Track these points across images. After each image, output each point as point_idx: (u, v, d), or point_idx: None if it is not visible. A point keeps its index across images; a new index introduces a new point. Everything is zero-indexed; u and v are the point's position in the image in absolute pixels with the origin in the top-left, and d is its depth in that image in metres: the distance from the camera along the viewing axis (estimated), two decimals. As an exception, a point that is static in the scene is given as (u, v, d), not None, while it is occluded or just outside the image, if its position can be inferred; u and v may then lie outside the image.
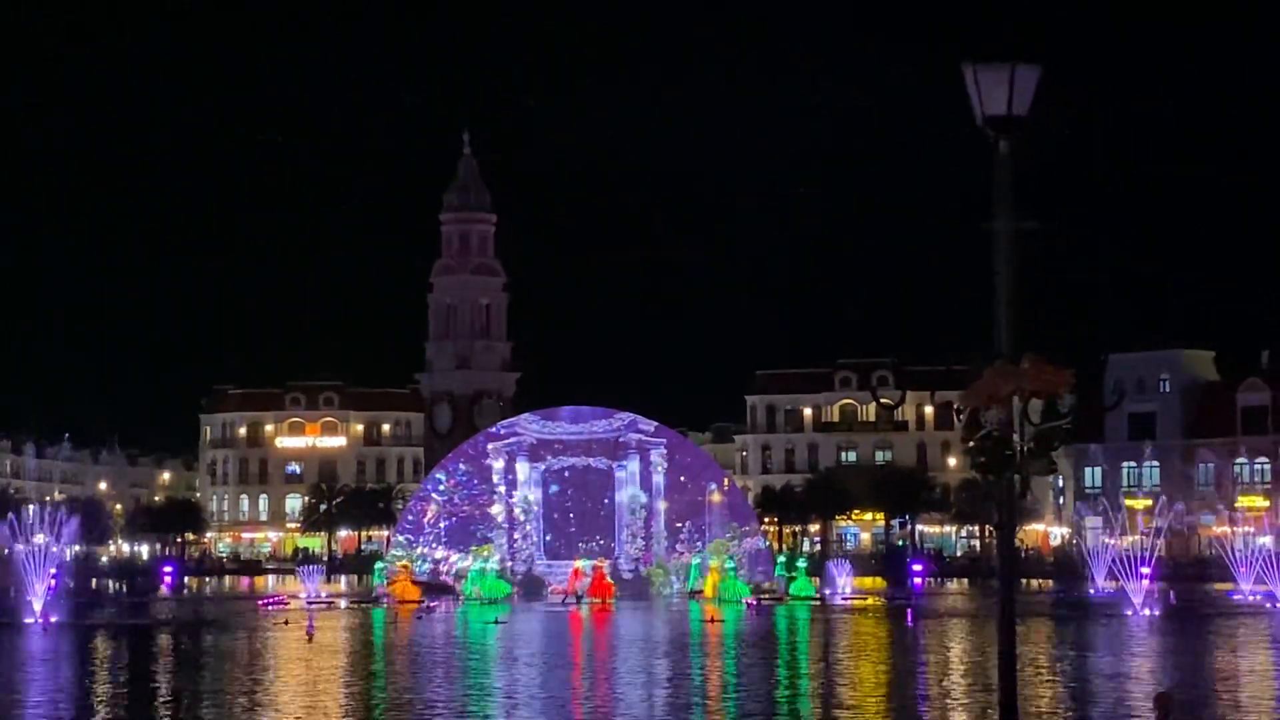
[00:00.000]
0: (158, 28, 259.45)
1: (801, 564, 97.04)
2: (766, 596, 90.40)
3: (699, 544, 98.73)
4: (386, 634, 67.14)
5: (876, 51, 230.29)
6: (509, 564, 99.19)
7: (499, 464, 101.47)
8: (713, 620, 71.19)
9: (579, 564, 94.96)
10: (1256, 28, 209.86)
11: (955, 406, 12.60)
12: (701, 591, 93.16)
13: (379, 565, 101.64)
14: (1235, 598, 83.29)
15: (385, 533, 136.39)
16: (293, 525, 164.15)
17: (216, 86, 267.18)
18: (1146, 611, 71.62)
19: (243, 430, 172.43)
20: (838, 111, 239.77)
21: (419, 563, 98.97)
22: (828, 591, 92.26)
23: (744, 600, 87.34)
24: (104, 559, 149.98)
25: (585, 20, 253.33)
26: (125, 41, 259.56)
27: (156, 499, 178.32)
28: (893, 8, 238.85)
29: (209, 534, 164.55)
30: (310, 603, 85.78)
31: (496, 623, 70.47)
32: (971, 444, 12.54)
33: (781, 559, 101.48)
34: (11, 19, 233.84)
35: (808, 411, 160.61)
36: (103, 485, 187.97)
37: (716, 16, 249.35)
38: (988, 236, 12.52)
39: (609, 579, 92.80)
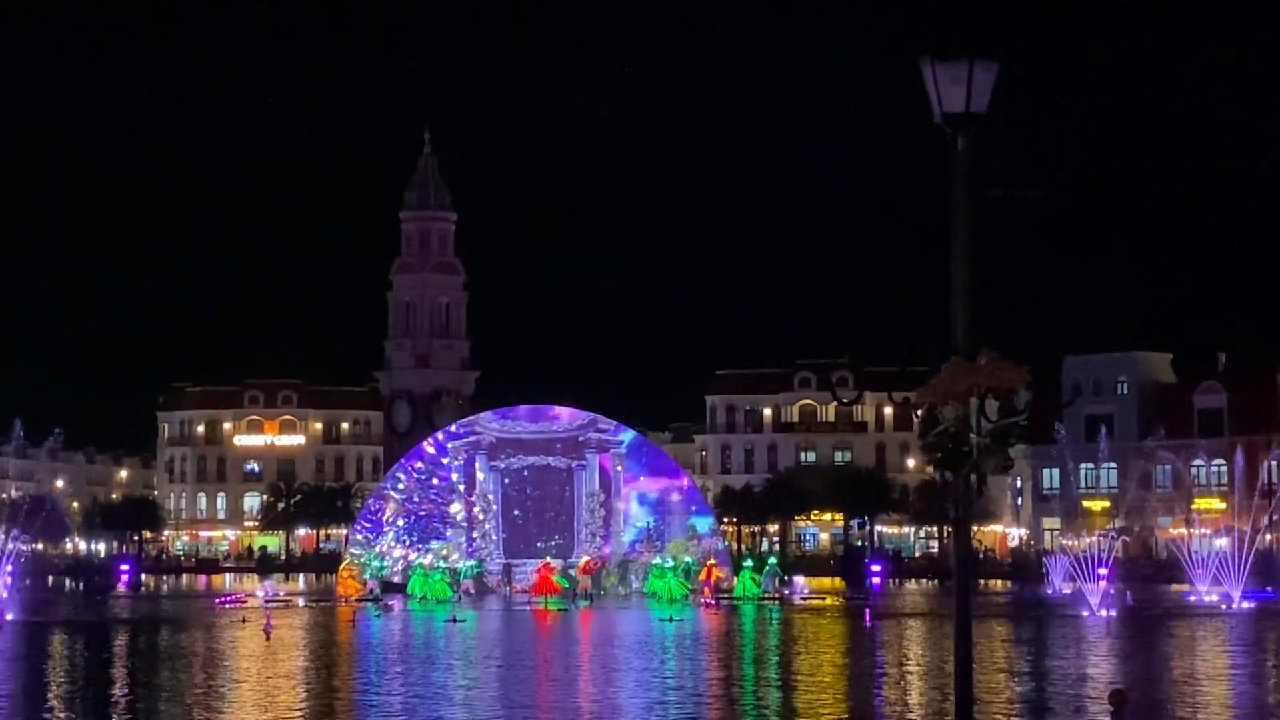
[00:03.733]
0: (109, 32, 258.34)
1: (748, 563, 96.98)
2: (725, 596, 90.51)
3: (658, 544, 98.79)
4: (344, 633, 66.94)
5: (843, 51, 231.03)
6: (461, 562, 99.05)
7: (458, 463, 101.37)
8: (670, 619, 71.35)
9: (582, 560, 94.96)
10: (1254, 31, 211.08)
11: (912, 402, 12.66)
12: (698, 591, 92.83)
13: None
14: (1191, 599, 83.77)
15: (344, 531, 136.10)
16: (251, 524, 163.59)
17: (173, 86, 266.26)
18: (1103, 612, 71.95)
19: (201, 428, 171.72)
20: (798, 111, 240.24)
21: (378, 561, 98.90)
22: (786, 591, 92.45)
23: (703, 599, 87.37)
24: (60, 556, 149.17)
25: (550, 14, 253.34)
26: (79, 48, 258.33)
27: (114, 496, 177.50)
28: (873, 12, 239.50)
29: (166, 532, 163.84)
30: (268, 601, 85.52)
31: (455, 621, 70.42)
32: (929, 440, 12.59)
33: (773, 560, 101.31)
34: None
35: (767, 412, 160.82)
36: (60, 483, 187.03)
37: (688, 14, 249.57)
38: (946, 232, 12.57)
39: (556, 578, 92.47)
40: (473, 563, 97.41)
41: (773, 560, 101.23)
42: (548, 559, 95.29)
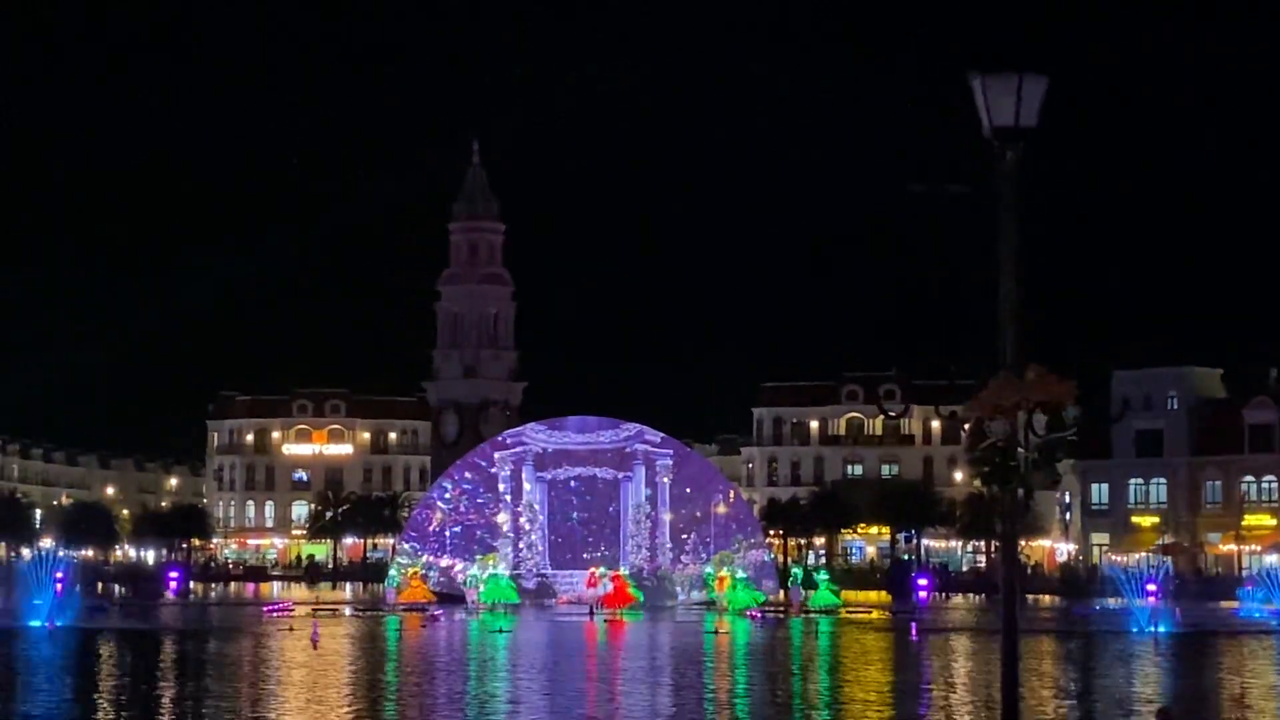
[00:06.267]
0: (162, 37, 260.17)
1: (823, 576, 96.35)
2: (771, 609, 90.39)
3: (704, 555, 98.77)
4: (393, 642, 67.13)
5: (884, 59, 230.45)
6: (517, 573, 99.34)
7: (505, 473, 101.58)
8: (719, 632, 71.28)
9: (598, 570, 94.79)
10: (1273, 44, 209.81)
11: (960, 416, 12.63)
12: (714, 602, 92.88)
13: (391, 574, 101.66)
14: (1241, 616, 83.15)
15: (391, 541, 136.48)
16: (299, 532, 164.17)
17: (224, 95, 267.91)
18: (1152, 629, 71.49)
19: (250, 437, 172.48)
20: (846, 121, 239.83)
21: (425, 570, 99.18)
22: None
23: (749, 612, 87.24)
24: (110, 564, 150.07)
25: (594, 25, 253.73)
26: (131, 51, 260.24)
27: (163, 504, 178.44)
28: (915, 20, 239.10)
29: (215, 540, 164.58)
30: (316, 609, 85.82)
31: (501, 632, 70.55)
32: (976, 454, 12.56)
33: (797, 571, 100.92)
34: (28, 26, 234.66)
35: (814, 424, 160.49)
36: (110, 490, 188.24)
37: (735, 20, 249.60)
38: (992, 245, 12.55)
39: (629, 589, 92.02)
40: (475, 572, 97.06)
41: (796, 571, 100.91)
42: (620, 569, 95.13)
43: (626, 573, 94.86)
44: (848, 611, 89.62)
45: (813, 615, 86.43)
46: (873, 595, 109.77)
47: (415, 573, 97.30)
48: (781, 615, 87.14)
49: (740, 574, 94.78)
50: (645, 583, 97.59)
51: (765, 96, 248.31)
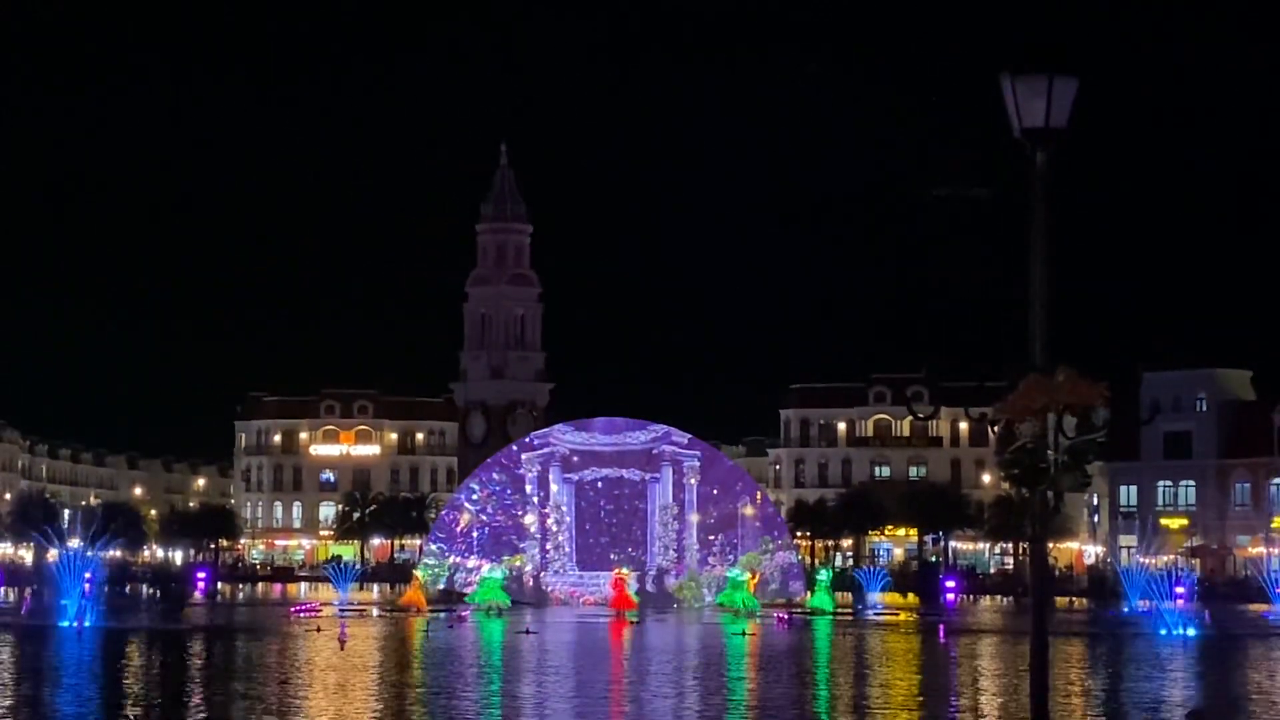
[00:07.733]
0: (197, 35, 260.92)
1: (824, 577, 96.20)
2: (797, 610, 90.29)
3: (731, 557, 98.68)
4: (418, 643, 67.19)
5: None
6: (533, 574, 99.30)
7: (532, 474, 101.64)
8: (743, 634, 71.29)
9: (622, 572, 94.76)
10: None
11: (989, 418, 12.57)
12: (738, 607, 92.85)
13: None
14: (1271, 619, 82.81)
15: (418, 542, 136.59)
16: (326, 533, 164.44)
17: (253, 95, 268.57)
18: (1181, 632, 71.22)
19: (277, 437, 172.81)
20: (870, 123, 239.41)
21: (449, 572, 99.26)
22: (858, 606, 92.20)
23: (775, 614, 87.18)
24: (138, 564, 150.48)
25: (621, 26, 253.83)
26: (162, 45, 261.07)
27: (191, 505, 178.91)
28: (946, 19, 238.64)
29: (243, 540, 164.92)
30: (342, 610, 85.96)
31: (529, 633, 70.60)
32: (1005, 457, 12.49)
33: (826, 573, 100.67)
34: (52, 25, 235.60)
35: (841, 426, 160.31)
36: (138, 491, 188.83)
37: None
38: (1024, 247, 12.49)
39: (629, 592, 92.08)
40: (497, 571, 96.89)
41: (825, 573, 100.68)
42: (620, 570, 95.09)
43: (627, 572, 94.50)
44: (874, 613, 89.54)
45: (840, 617, 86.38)
46: (900, 597, 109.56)
47: (415, 576, 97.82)
48: (808, 617, 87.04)
49: (741, 577, 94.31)
50: (668, 584, 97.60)
51: (781, 104, 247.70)
